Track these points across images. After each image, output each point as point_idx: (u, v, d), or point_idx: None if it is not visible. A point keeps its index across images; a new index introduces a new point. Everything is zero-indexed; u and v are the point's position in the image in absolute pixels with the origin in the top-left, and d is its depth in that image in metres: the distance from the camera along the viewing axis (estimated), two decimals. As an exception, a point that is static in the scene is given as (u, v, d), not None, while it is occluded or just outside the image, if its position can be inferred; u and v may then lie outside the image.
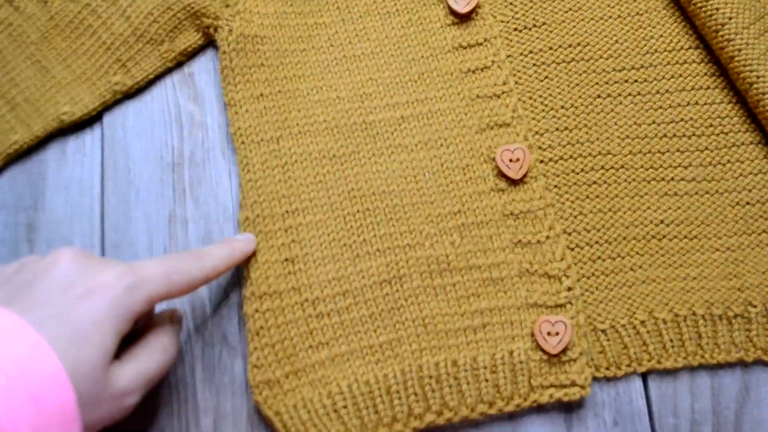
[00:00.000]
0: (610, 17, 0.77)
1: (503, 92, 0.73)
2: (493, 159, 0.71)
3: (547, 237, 0.68)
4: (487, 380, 0.64)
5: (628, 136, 0.73)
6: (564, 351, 0.65)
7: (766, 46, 0.72)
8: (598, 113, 0.74)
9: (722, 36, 0.73)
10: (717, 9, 0.74)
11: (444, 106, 0.73)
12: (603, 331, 0.68)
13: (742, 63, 0.73)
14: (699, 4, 0.75)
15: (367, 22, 0.77)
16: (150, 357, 0.55)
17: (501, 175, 0.70)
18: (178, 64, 0.78)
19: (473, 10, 0.76)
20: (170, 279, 0.55)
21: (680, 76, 0.76)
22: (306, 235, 0.68)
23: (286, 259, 0.67)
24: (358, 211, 0.69)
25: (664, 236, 0.70)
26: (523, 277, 0.67)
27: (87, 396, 0.48)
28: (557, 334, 0.65)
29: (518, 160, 0.70)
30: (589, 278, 0.69)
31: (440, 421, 0.64)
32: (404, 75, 0.74)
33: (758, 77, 0.72)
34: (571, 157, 0.73)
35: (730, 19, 0.73)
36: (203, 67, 0.78)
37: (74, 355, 0.47)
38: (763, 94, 0.72)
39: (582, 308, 0.67)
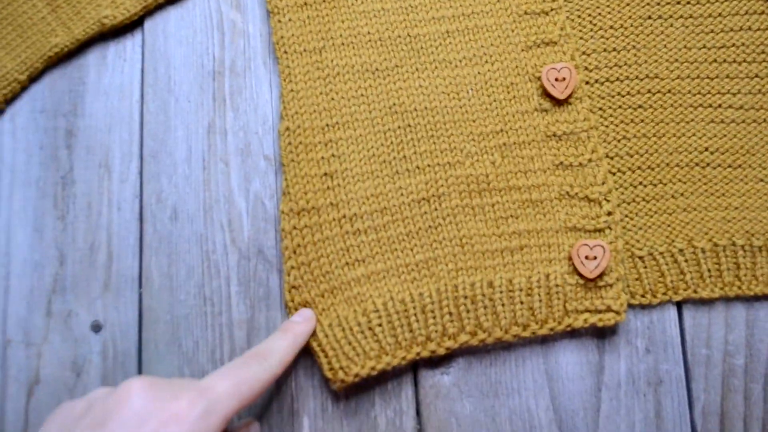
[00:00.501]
0: (665, -64, 0.75)
1: (552, 9, 0.72)
2: (539, 78, 0.70)
3: (590, 160, 0.67)
4: (522, 302, 0.64)
5: (677, 60, 0.72)
6: (601, 276, 0.64)
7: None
8: (648, 35, 0.72)
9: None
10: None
11: (491, 22, 0.71)
12: (641, 258, 0.67)
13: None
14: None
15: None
16: None
17: (546, 94, 0.69)
18: (222, -29, 0.75)
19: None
20: (241, 392, 0.53)
21: (734, -1, 0.73)
22: (346, 150, 0.68)
23: (325, 174, 0.66)
24: (399, 127, 0.68)
25: (708, 164, 0.69)
26: (563, 200, 0.66)
27: None
28: (595, 258, 0.64)
29: (564, 79, 0.69)
30: (629, 204, 0.68)
31: (474, 342, 0.64)
32: (452, -13, 0.73)
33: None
34: (617, 79, 0.71)
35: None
36: (247, -27, 0.76)
37: None
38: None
39: (621, 234, 0.66)
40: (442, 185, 0.66)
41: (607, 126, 0.69)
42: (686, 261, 0.66)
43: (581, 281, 0.64)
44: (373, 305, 0.63)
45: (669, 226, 0.67)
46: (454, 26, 0.71)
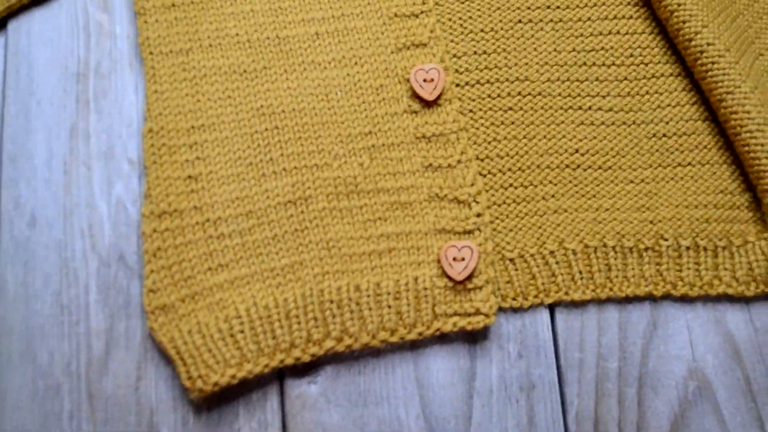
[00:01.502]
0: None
1: (422, 11, 0.71)
2: (408, 79, 0.69)
3: (459, 161, 0.67)
4: (389, 306, 0.63)
5: (546, 63, 0.72)
6: (469, 278, 0.64)
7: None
8: (518, 38, 0.73)
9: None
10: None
11: (361, 24, 0.70)
12: (511, 260, 0.67)
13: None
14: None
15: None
16: None
17: (415, 96, 0.69)
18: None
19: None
20: None
21: (603, 4, 0.74)
22: (211, 152, 0.66)
23: (189, 177, 0.64)
24: (266, 129, 0.67)
25: (578, 166, 0.69)
26: (432, 202, 0.66)
27: None
28: (463, 259, 0.64)
29: (432, 80, 0.69)
30: (500, 206, 0.68)
31: (340, 348, 0.62)
32: (324, -11, 0.72)
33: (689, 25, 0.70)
34: (487, 81, 0.71)
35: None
36: (115, -27, 0.74)
37: None
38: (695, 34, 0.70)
39: (491, 235, 0.66)
40: (309, 188, 0.65)
41: (477, 128, 0.69)
42: (557, 263, 0.66)
43: (450, 284, 0.63)
44: (236, 311, 0.61)
45: (540, 228, 0.67)
46: (323, 28, 0.70)
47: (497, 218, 0.67)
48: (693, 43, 0.69)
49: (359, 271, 0.64)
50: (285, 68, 0.68)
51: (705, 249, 0.67)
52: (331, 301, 0.62)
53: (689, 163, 0.69)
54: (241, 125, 0.66)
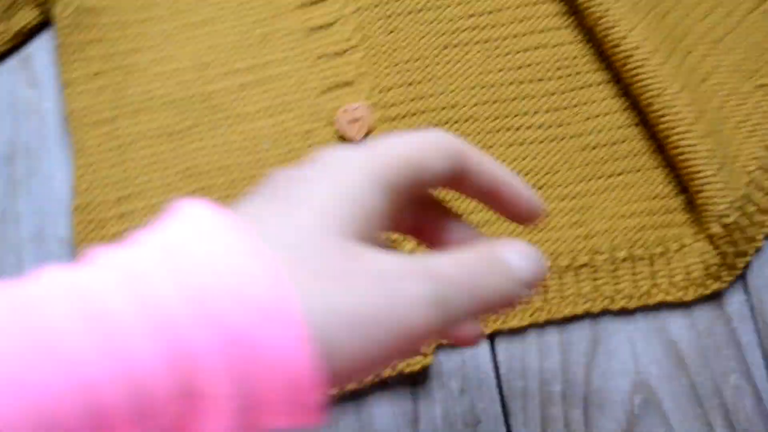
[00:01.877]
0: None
1: (347, 49, 0.71)
2: (334, 122, 0.69)
3: None
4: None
5: (476, 86, 0.72)
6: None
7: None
8: (446, 64, 0.72)
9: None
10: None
11: (286, 69, 0.71)
12: (445, 291, 0.67)
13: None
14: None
15: (209, -15, 0.74)
16: None
17: (342, 138, 0.69)
18: (16, 47, 0.75)
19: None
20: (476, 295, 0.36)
21: (531, 17, 0.73)
22: (140, 222, 0.67)
23: (120, 249, 0.66)
24: (195, 190, 0.68)
25: (511, 188, 0.69)
26: None
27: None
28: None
29: (358, 120, 0.69)
30: (433, 242, 0.68)
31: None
32: (246, 39, 0.72)
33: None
34: (417, 112, 0.71)
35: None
36: (43, 47, 0.75)
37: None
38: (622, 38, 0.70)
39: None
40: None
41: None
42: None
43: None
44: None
45: (474, 256, 0.67)
46: (249, 78, 0.70)
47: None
48: (620, 48, 0.68)
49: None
50: (212, 124, 0.69)
51: (641, 258, 0.67)
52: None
53: (621, 172, 0.69)
54: (169, 189, 0.67)
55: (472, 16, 0.74)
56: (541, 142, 0.70)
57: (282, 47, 0.72)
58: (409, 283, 0.32)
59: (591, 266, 0.67)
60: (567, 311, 0.67)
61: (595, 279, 0.67)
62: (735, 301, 0.68)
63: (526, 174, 0.69)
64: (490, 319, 0.66)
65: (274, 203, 0.35)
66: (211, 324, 0.28)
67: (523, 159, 0.70)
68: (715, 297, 0.68)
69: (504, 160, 0.69)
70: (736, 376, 0.67)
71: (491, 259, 0.37)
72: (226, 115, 0.70)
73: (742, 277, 0.68)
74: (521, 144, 0.70)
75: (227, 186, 0.68)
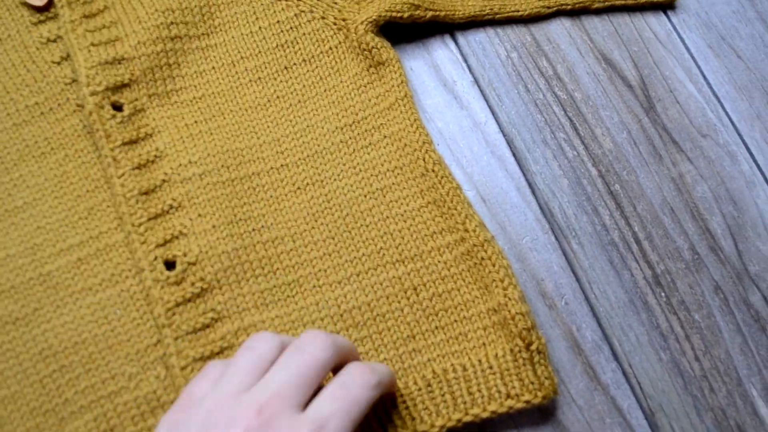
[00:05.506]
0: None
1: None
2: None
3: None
4: None
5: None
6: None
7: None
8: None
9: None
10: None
11: (120, 237, 0.70)
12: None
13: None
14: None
15: (23, 168, 0.73)
16: None
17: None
18: None
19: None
20: (353, 422, 0.51)
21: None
22: (4, 412, 0.65)
23: (-17, 447, 0.63)
24: (53, 371, 0.66)
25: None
26: None
27: None
28: None
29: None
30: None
31: None
32: (73, 214, 0.72)
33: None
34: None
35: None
36: None
37: None
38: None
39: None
40: (112, 417, 0.64)
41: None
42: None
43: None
44: None
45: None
46: (84, 252, 0.70)
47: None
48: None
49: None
50: (56, 304, 0.68)
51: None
52: None
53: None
54: (27, 375, 0.65)
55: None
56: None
57: (111, 217, 0.71)
58: None
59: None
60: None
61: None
62: (608, 370, 0.71)
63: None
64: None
65: None
66: None
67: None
68: (588, 371, 0.70)
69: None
70: (623, 441, 0.69)
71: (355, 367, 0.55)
72: (69, 292, 0.69)
73: (609, 345, 0.71)
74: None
75: (86, 361, 0.66)
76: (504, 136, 0.79)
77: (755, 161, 0.78)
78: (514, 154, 0.78)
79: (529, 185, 0.77)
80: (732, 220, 0.76)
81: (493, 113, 0.80)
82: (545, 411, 0.69)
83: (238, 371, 0.52)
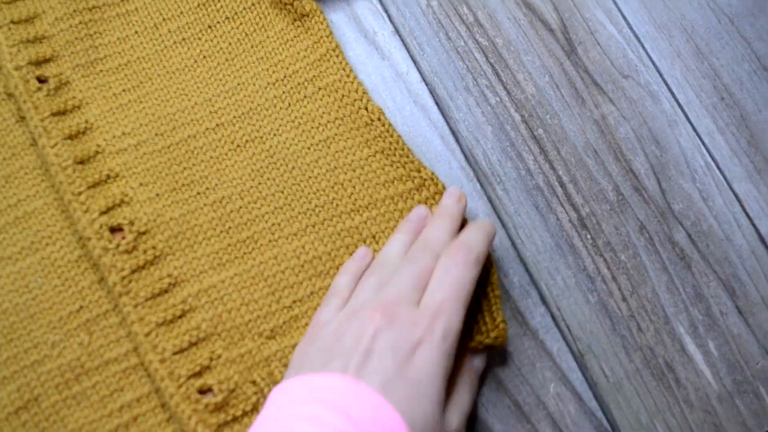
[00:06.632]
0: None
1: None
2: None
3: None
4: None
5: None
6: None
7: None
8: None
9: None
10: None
11: (39, 204, 0.69)
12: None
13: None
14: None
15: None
16: (465, 397, 0.60)
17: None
18: None
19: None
20: (463, 303, 0.58)
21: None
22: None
23: None
24: (-22, 340, 0.65)
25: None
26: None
27: None
28: (210, 390, 0.65)
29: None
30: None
31: None
32: (-12, 184, 0.70)
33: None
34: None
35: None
36: None
37: (416, 412, 0.51)
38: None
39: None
40: (36, 386, 0.64)
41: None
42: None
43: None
44: None
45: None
46: (3, 220, 0.69)
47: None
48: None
49: (109, 452, 0.62)
50: (-27, 277, 0.66)
51: None
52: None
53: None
54: (-47, 348, 0.64)
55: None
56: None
57: (29, 183, 0.70)
58: None
59: None
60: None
61: None
62: (536, 314, 0.71)
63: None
64: None
65: None
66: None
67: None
68: (517, 316, 0.71)
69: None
70: (554, 385, 0.70)
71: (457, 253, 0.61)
72: (-14, 263, 0.67)
73: (537, 290, 0.72)
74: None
75: (7, 331, 0.66)
76: (426, 85, 0.79)
77: (676, 100, 0.78)
78: (437, 103, 0.78)
79: (453, 133, 0.77)
80: (655, 159, 0.76)
81: (415, 62, 0.79)
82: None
83: (362, 290, 0.60)
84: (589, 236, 0.74)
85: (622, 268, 0.73)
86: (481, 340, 0.67)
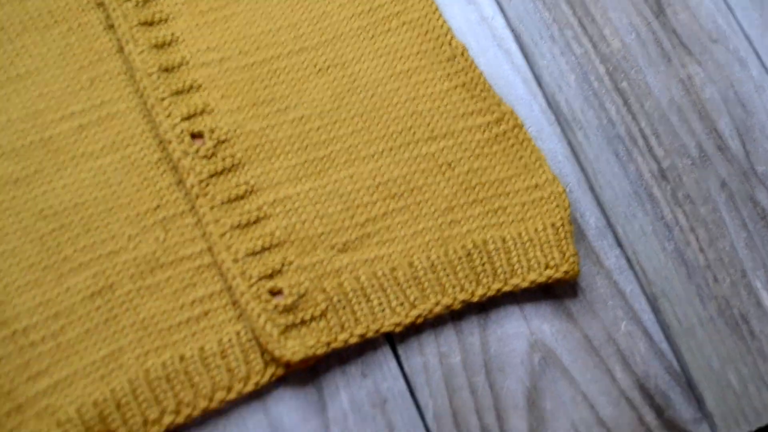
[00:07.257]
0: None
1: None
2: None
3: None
4: (218, 366, 0.62)
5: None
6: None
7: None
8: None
9: None
10: None
11: (122, 107, 0.70)
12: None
13: None
14: None
15: (26, 38, 0.73)
16: None
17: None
18: None
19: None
20: None
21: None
22: (3, 265, 0.64)
23: (-15, 296, 0.62)
24: (53, 229, 0.66)
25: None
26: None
27: None
28: (280, 291, 0.65)
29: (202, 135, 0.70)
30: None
31: (180, 420, 0.61)
32: (76, 83, 0.71)
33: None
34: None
35: None
36: None
37: None
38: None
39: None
40: (111, 275, 0.64)
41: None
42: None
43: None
44: (66, 414, 0.59)
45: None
46: (86, 119, 0.69)
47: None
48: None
49: (180, 341, 0.63)
50: (57, 167, 0.67)
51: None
52: (159, 378, 0.61)
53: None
54: (27, 232, 0.65)
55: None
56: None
57: (113, 87, 0.70)
58: None
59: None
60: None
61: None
62: (611, 255, 0.71)
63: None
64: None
65: None
66: None
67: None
68: (591, 256, 0.70)
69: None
70: (626, 323, 0.69)
71: None
72: (70, 156, 0.68)
73: (613, 232, 0.71)
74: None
75: (85, 221, 0.66)
76: (511, 31, 0.79)
77: (765, 68, 0.78)
78: (521, 49, 0.78)
79: (536, 78, 0.77)
80: (740, 122, 0.75)
81: (501, 8, 0.79)
82: (547, 291, 0.68)
83: None
84: (668, 187, 0.73)
85: (701, 220, 0.72)
86: (551, 275, 0.66)
